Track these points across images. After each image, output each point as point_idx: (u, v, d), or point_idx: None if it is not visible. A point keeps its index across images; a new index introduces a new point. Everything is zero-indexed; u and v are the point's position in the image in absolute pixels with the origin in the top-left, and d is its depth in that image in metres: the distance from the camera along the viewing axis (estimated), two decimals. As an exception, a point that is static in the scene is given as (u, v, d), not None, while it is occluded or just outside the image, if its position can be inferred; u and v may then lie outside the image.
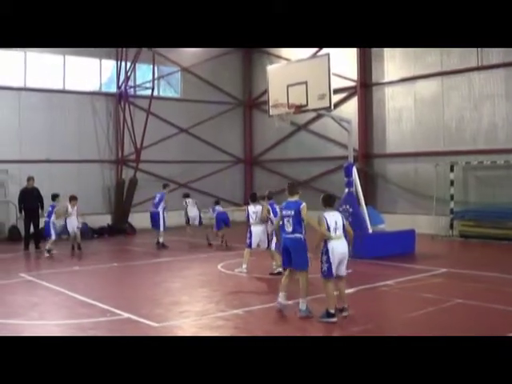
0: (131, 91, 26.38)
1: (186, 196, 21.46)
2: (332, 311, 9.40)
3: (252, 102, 29.99)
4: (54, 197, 18.55)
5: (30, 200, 18.97)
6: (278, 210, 13.86)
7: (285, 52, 26.72)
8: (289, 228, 9.78)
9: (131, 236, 23.88)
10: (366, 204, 17.25)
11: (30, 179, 19.53)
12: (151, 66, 25.24)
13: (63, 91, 24.79)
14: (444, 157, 21.58)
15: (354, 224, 16.43)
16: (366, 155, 24.42)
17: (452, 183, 21.09)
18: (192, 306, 10.96)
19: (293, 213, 9.81)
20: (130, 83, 26.28)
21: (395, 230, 17.56)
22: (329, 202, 9.94)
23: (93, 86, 26.11)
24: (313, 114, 23.69)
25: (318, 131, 26.34)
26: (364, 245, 16.14)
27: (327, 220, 9.53)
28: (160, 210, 19.37)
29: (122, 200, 25.27)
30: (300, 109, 17.01)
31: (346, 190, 17.05)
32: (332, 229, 9.49)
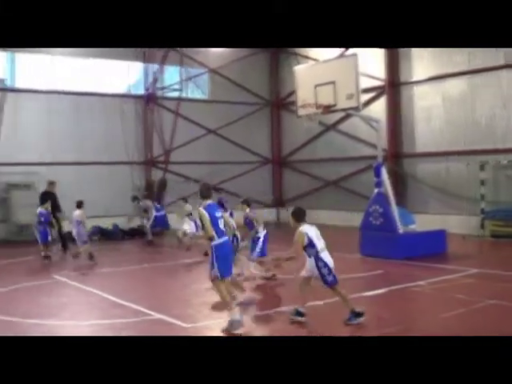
0: (159, 93, 26.54)
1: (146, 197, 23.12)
2: (358, 310, 9.35)
3: (280, 103, 29.98)
4: (44, 201, 17.89)
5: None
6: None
7: (312, 52, 26.63)
8: (222, 229, 9.43)
9: (161, 237, 23.99)
10: (396, 204, 17.12)
11: (52, 183, 19.47)
12: (179, 68, 25.32)
13: (92, 94, 24.96)
14: (474, 156, 21.35)
15: (385, 224, 16.44)
16: (395, 155, 24.26)
17: (482, 182, 20.87)
18: (223, 306, 10.95)
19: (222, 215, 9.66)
20: (158, 85, 26.44)
21: (426, 230, 17.39)
22: (303, 216, 9.59)
23: (121, 89, 26.32)
24: (341, 114, 23.61)
25: (346, 131, 26.24)
26: (395, 245, 16.10)
27: (310, 236, 9.28)
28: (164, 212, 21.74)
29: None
30: (328, 109, 16.98)
31: (376, 190, 16.96)
32: (317, 241, 9.31)
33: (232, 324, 9.07)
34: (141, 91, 26.59)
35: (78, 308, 11.47)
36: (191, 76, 27.98)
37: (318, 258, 9.21)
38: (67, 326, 9.86)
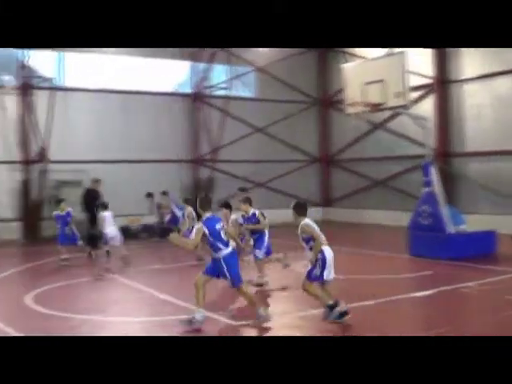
0: (206, 92, 26.71)
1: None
2: (331, 302, 9.31)
3: (328, 101, 29.84)
4: (58, 202, 17.17)
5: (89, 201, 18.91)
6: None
7: (359, 50, 26.43)
8: (226, 239, 9.46)
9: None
10: (446, 204, 16.89)
11: (96, 181, 19.54)
12: (226, 67, 25.38)
13: (140, 93, 25.25)
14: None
15: (434, 224, 16.25)
16: (444, 154, 23.89)
17: (533, 182, 20.51)
18: (271, 305, 10.98)
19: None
20: (206, 84, 26.61)
21: (476, 231, 17.08)
22: (305, 211, 9.59)
23: (169, 88, 26.58)
24: (389, 112, 23.38)
25: (395, 129, 25.96)
26: (444, 246, 15.90)
27: (316, 227, 9.36)
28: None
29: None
30: (377, 107, 16.88)
31: (425, 190, 16.78)
32: (320, 234, 9.35)
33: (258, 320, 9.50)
34: (188, 90, 26.80)
35: (127, 305, 11.62)
36: (238, 74, 28.06)
37: (320, 250, 9.23)
38: (118, 323, 10.01)
